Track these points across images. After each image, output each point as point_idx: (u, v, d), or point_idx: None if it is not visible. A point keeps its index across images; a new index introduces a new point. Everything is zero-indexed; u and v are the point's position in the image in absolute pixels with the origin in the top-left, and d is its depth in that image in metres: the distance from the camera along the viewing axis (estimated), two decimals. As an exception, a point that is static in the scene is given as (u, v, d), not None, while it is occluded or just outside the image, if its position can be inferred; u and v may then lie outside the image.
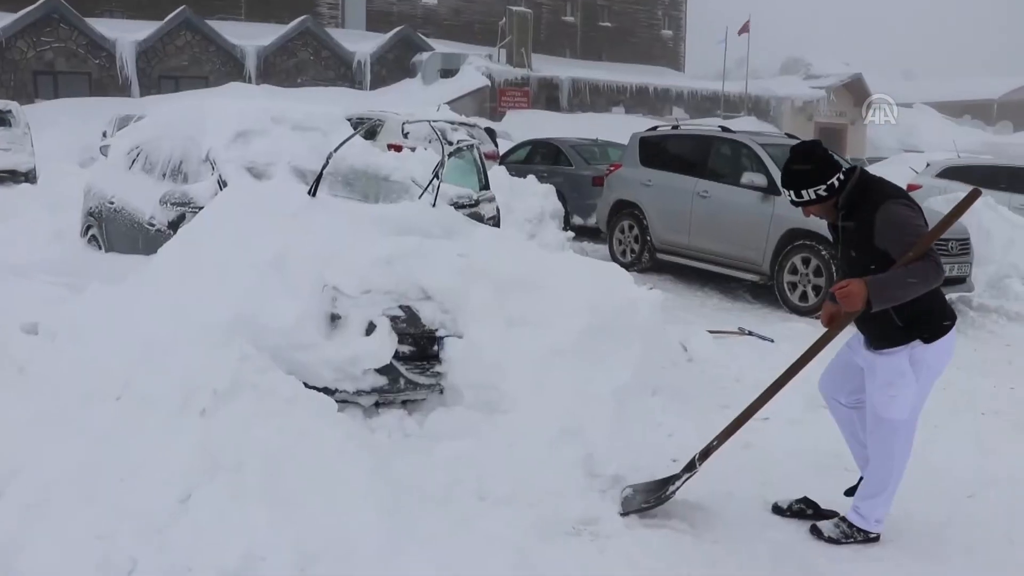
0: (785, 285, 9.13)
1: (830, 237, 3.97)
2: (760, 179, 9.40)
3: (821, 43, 62.98)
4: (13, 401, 3.90)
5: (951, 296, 9.82)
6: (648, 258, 10.93)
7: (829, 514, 4.08)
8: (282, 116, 7.02)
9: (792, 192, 3.74)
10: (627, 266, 10.86)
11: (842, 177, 3.68)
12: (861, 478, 4.05)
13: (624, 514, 3.90)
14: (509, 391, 4.47)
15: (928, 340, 3.67)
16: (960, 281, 9.21)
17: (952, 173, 14.69)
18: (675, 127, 11.74)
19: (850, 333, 3.96)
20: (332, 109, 7.75)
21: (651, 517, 3.89)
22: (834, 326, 3.77)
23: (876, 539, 3.90)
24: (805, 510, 4.13)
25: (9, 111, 19.27)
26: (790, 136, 11.49)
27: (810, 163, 3.69)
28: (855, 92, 44.00)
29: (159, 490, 3.16)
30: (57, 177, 15.42)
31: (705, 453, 3.96)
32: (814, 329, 5.53)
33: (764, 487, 4.26)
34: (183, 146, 7.03)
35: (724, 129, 10.72)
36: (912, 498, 4.20)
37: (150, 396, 3.49)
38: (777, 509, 4.17)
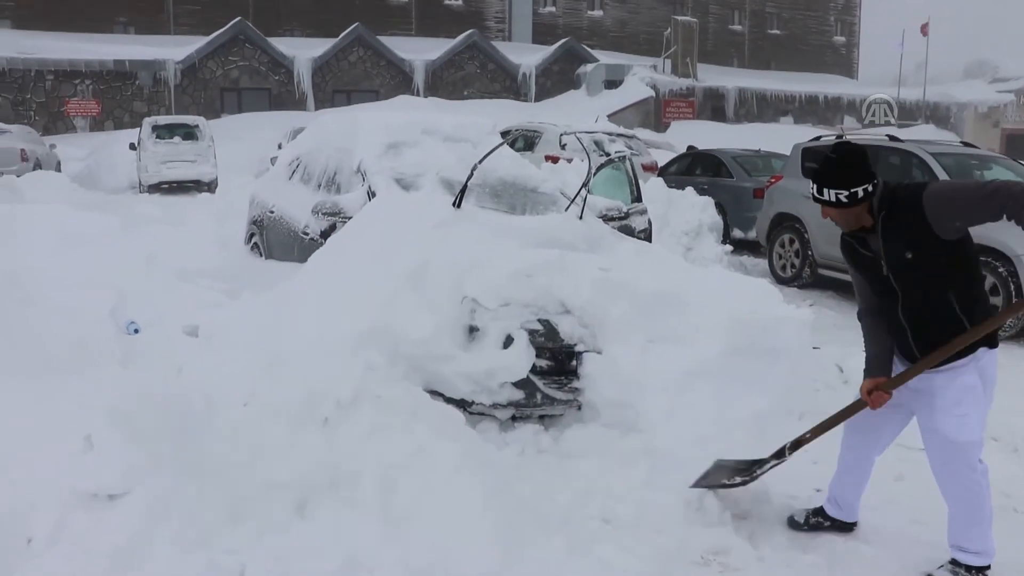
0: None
1: (872, 255, 3.48)
2: (932, 191, 8.79)
3: (1011, 43, 58.71)
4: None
5: None
6: (809, 273, 10.47)
7: (847, 527, 3.84)
8: (432, 128, 7.11)
9: (815, 188, 3.40)
10: (787, 281, 10.56)
11: (870, 189, 3.33)
12: (820, 508, 3.89)
13: (693, 486, 3.83)
14: (646, 410, 4.33)
15: (993, 345, 3.37)
16: None
17: None
18: (839, 136, 11.19)
19: None
20: (482, 120, 7.79)
21: (784, 551, 3.66)
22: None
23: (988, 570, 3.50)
24: (822, 523, 3.88)
25: (196, 126, 20.85)
26: (967, 145, 10.73)
27: (845, 165, 3.35)
28: (1050, 95, 40.93)
29: (276, 497, 3.19)
30: (233, 187, 16.39)
31: (796, 444, 3.82)
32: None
33: (914, 524, 3.90)
34: (337, 157, 7.23)
35: (892, 138, 10.13)
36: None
37: (275, 403, 3.55)
38: (793, 523, 3.92)
